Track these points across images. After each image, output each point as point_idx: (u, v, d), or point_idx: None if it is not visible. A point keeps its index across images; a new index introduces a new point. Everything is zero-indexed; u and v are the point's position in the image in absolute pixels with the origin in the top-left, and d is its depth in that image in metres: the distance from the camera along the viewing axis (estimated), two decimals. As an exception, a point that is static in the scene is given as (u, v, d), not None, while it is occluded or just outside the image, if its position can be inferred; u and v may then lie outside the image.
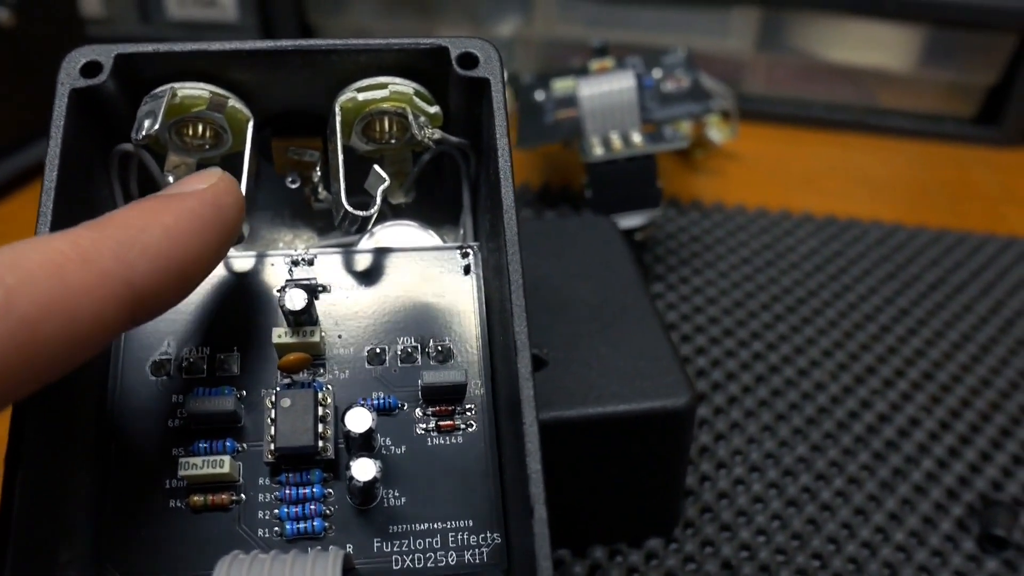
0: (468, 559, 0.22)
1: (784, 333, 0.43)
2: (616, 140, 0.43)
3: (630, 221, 0.43)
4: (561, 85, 0.50)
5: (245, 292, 0.25)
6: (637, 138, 0.43)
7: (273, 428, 0.22)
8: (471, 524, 0.23)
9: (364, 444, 0.22)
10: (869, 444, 0.38)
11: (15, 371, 0.16)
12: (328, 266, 0.25)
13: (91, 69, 0.24)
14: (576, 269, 0.34)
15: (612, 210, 0.42)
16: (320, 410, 0.23)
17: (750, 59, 0.63)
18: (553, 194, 0.53)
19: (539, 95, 0.51)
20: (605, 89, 0.43)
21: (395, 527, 0.22)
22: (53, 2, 0.54)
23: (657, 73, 0.50)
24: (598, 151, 0.43)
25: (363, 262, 0.26)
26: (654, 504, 0.32)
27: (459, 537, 0.22)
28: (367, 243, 0.27)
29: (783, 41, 0.63)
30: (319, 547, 0.22)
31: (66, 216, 0.23)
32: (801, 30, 0.63)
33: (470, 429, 0.24)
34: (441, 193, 0.29)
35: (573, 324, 0.32)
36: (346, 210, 0.24)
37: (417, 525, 0.22)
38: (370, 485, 0.22)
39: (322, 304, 0.25)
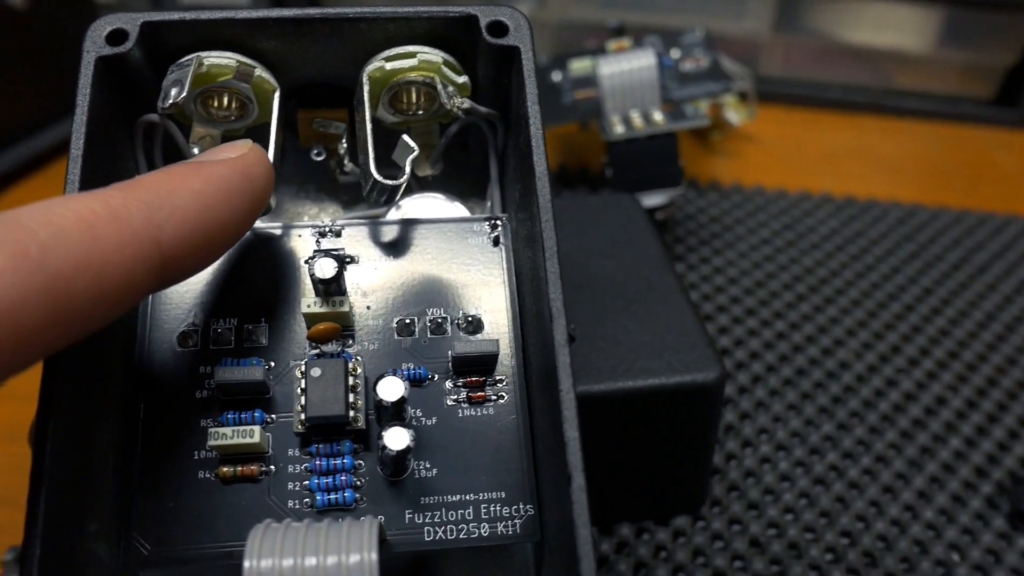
0: (501, 530, 0.22)
1: (807, 313, 0.43)
2: (636, 118, 0.43)
3: (651, 200, 0.42)
4: (579, 66, 0.49)
5: (272, 263, 0.25)
6: (658, 116, 0.43)
7: (303, 398, 0.22)
8: (503, 495, 0.22)
9: (395, 414, 0.22)
10: (896, 423, 0.37)
11: (49, 325, 0.16)
12: (356, 238, 0.25)
13: (117, 37, 0.24)
14: (600, 246, 0.34)
15: (633, 189, 0.42)
16: (351, 380, 0.22)
17: (767, 41, 0.63)
18: (571, 175, 0.52)
19: (556, 76, 0.50)
20: (625, 67, 0.43)
21: (426, 498, 0.22)
22: (64, -18, 0.53)
23: (675, 53, 0.49)
24: (619, 129, 0.42)
25: (391, 233, 0.25)
26: (681, 481, 0.32)
27: (491, 508, 0.22)
28: (394, 215, 0.26)
29: (800, 22, 0.62)
30: (351, 517, 0.21)
31: (92, 185, 0.22)
32: (818, 11, 0.62)
33: (501, 400, 0.23)
34: (468, 165, 0.28)
35: (599, 300, 0.32)
36: (375, 180, 0.24)
37: (449, 496, 0.22)
38: (403, 455, 0.21)
39: (350, 275, 0.24)
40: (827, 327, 0.42)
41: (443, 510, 0.22)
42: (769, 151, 0.57)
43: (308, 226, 0.25)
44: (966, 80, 0.62)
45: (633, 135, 0.42)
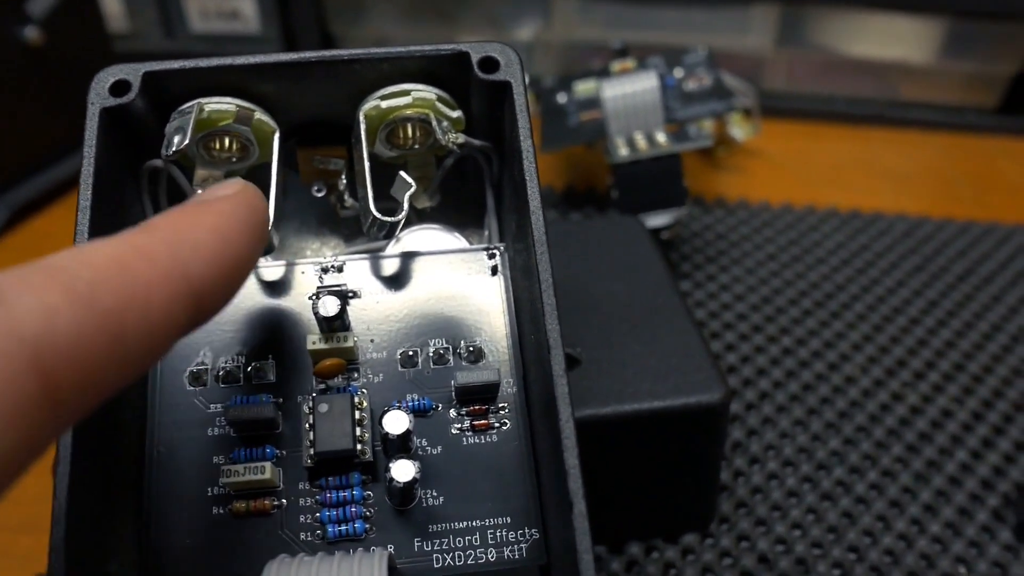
0: (508, 555, 0.22)
1: (813, 328, 0.43)
2: (641, 140, 0.43)
3: (656, 220, 0.43)
4: (583, 88, 0.50)
5: (277, 301, 0.25)
6: (662, 137, 0.43)
7: (312, 433, 0.23)
8: (509, 521, 0.23)
9: (401, 446, 0.23)
10: (902, 436, 0.37)
11: (108, 366, 0.16)
12: (357, 272, 0.26)
13: (120, 88, 0.24)
14: (605, 269, 0.35)
15: (638, 210, 0.42)
16: (357, 414, 0.23)
17: (770, 56, 0.63)
18: (578, 196, 0.53)
19: (561, 98, 0.51)
20: (628, 90, 0.44)
21: (434, 526, 0.23)
22: (81, 20, 0.55)
23: (679, 72, 0.50)
24: (623, 151, 0.43)
25: (391, 267, 0.26)
26: (689, 500, 0.32)
27: (498, 534, 0.23)
28: (394, 248, 0.27)
29: (803, 37, 0.63)
30: (361, 548, 0.22)
31: (101, 233, 0.23)
32: (821, 25, 0.63)
33: (504, 427, 0.24)
34: (464, 195, 0.29)
35: (605, 323, 0.32)
36: (374, 216, 0.24)
37: (456, 523, 0.23)
38: (409, 486, 0.22)
39: (353, 309, 0.25)
40: (833, 342, 0.42)
41: (451, 537, 0.22)
42: (775, 166, 0.58)
43: (311, 262, 0.26)
44: (970, 90, 0.62)
45: (637, 157, 0.43)
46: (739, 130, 0.56)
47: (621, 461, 0.30)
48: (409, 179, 0.25)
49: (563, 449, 0.21)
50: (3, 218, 0.52)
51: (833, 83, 0.64)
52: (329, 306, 0.23)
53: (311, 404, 0.23)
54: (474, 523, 0.23)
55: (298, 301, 0.25)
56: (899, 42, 0.61)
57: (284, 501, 0.23)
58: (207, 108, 0.25)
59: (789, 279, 0.46)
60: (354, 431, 0.23)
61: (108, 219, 0.24)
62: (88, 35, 0.56)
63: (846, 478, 0.36)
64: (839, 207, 0.52)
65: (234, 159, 0.26)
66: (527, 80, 0.26)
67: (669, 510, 0.33)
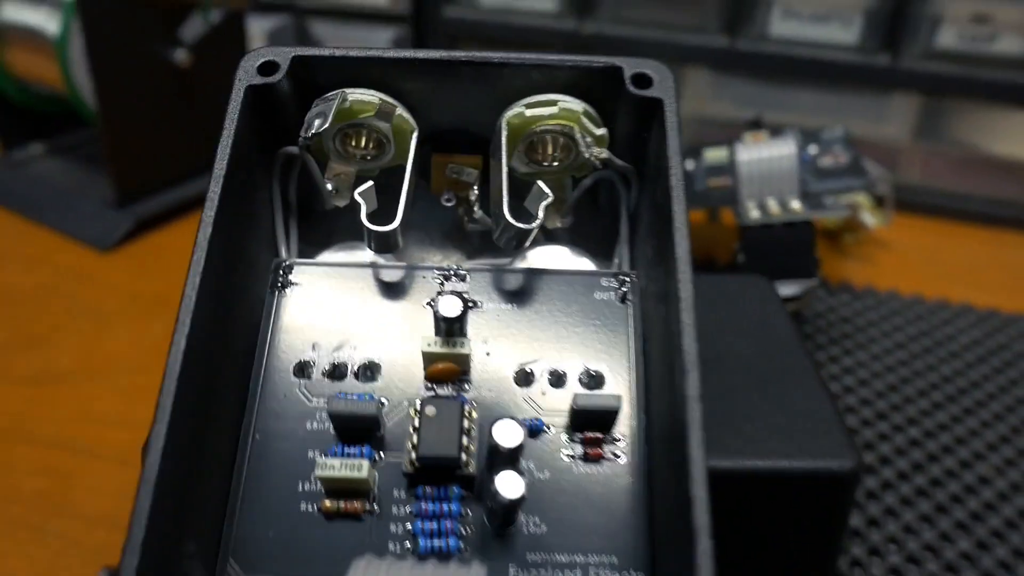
0: (610, 597, 0.20)
1: (944, 422, 0.40)
2: (773, 205, 0.42)
3: (784, 290, 0.41)
4: (713, 155, 0.49)
5: (393, 302, 0.24)
6: (796, 204, 0.41)
7: (416, 436, 0.21)
8: (615, 560, 0.21)
9: (509, 462, 0.21)
10: (1042, 547, 0.34)
11: None
12: (480, 284, 0.25)
13: (268, 68, 0.24)
14: (732, 325, 0.33)
15: (766, 277, 0.40)
16: (465, 423, 0.21)
17: (907, 147, 0.61)
18: (697, 266, 0.51)
19: (689, 164, 0.50)
20: (764, 155, 0.42)
21: (533, 555, 0.21)
22: (227, 47, 0.56)
23: (813, 149, 0.48)
24: (754, 214, 0.41)
25: (515, 282, 0.25)
26: (803, 580, 0.29)
27: (601, 573, 0.21)
28: (521, 264, 0.26)
29: (943, 131, 0.61)
30: (456, 562, 0.20)
31: (230, 206, 0.23)
32: (962, 120, 0.60)
33: (619, 460, 0.22)
34: (596, 224, 0.28)
35: (729, 378, 0.30)
36: (508, 222, 0.23)
37: (557, 555, 0.21)
38: (514, 505, 0.20)
39: (472, 319, 0.24)
40: (966, 439, 0.39)
41: (550, 568, 0.21)
42: (903, 258, 0.55)
43: (433, 268, 0.25)
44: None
45: (769, 221, 0.41)
46: (871, 217, 0.54)
47: (735, 525, 0.28)
48: (546, 189, 0.24)
49: (691, 479, 0.19)
50: (128, 226, 0.53)
51: (970, 181, 0.61)
52: (451, 307, 0.22)
53: (418, 407, 0.21)
54: (576, 557, 0.21)
55: (415, 306, 0.24)
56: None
57: (377, 507, 0.21)
58: (350, 98, 0.24)
59: (919, 370, 0.43)
60: (460, 440, 0.21)
61: (236, 196, 0.23)
62: (232, 63, 0.57)
63: (978, 584, 0.32)
64: (974, 304, 0.49)
65: (368, 157, 0.26)
66: (679, 100, 0.24)
67: (780, 589, 0.30)
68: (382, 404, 0.22)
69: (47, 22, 0.53)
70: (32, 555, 0.33)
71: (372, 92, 0.25)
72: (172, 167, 0.56)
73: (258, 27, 0.66)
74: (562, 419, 0.22)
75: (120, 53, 0.51)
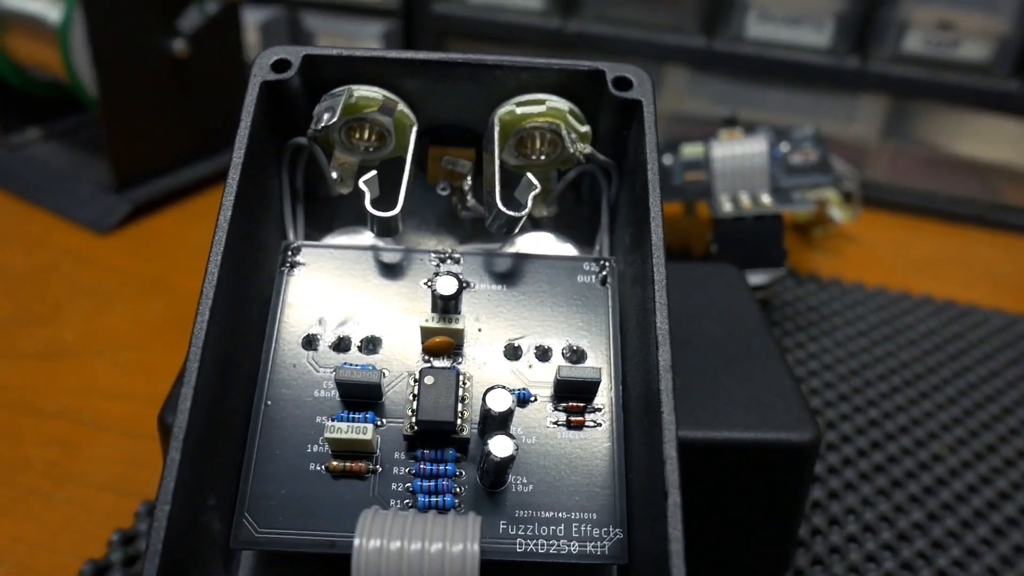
0: (590, 550, 0.23)
1: (901, 404, 0.43)
2: (745, 199, 0.44)
3: (754, 279, 0.43)
4: (690, 150, 0.51)
5: (393, 282, 0.26)
6: (766, 199, 0.44)
7: (415, 403, 0.23)
8: (594, 517, 0.23)
9: (500, 426, 0.23)
10: (989, 519, 0.37)
11: None
12: (472, 266, 0.27)
13: (281, 65, 0.26)
14: (703, 310, 0.35)
15: (737, 266, 0.43)
16: (460, 391, 0.24)
17: (875, 146, 0.64)
18: (673, 256, 0.54)
19: (667, 159, 0.52)
20: (738, 151, 0.45)
21: (521, 512, 0.23)
22: (223, 39, 0.58)
23: (785, 147, 0.51)
24: (727, 207, 0.44)
25: (505, 265, 0.27)
26: (766, 545, 0.32)
27: (582, 528, 0.23)
28: (509, 248, 0.28)
29: (909, 131, 0.63)
30: (454, 511, 0.22)
31: (246, 193, 0.25)
32: (929, 121, 0.63)
33: (599, 427, 0.24)
34: (578, 215, 0.30)
35: (699, 357, 0.32)
36: (500, 210, 0.25)
37: (542, 512, 0.23)
38: (505, 464, 0.22)
39: (465, 300, 0.26)
40: (921, 420, 0.42)
41: (536, 525, 0.23)
42: (870, 252, 0.58)
43: (430, 251, 0.27)
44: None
45: (741, 214, 0.44)
46: (838, 212, 0.57)
47: (702, 495, 0.30)
48: (534, 180, 0.26)
49: (663, 440, 0.21)
50: (125, 211, 0.55)
51: (935, 179, 0.64)
52: (447, 285, 0.24)
53: (417, 376, 0.24)
54: (560, 514, 0.23)
55: (413, 286, 0.26)
56: (1007, 145, 0.61)
57: (379, 467, 0.23)
58: (356, 94, 0.27)
59: (879, 356, 0.46)
60: (456, 406, 0.23)
61: (250, 183, 0.25)
62: (227, 53, 0.59)
63: (928, 551, 0.35)
64: (934, 296, 0.52)
65: (371, 148, 0.28)
66: (656, 102, 0.27)
67: (745, 554, 0.32)
68: (384, 374, 0.25)
69: (49, 10, 0.55)
70: (44, 519, 0.35)
71: (376, 89, 0.27)
72: (168, 154, 0.58)
73: (251, 19, 0.68)
74: (547, 390, 0.25)
75: (121, 42, 0.53)
